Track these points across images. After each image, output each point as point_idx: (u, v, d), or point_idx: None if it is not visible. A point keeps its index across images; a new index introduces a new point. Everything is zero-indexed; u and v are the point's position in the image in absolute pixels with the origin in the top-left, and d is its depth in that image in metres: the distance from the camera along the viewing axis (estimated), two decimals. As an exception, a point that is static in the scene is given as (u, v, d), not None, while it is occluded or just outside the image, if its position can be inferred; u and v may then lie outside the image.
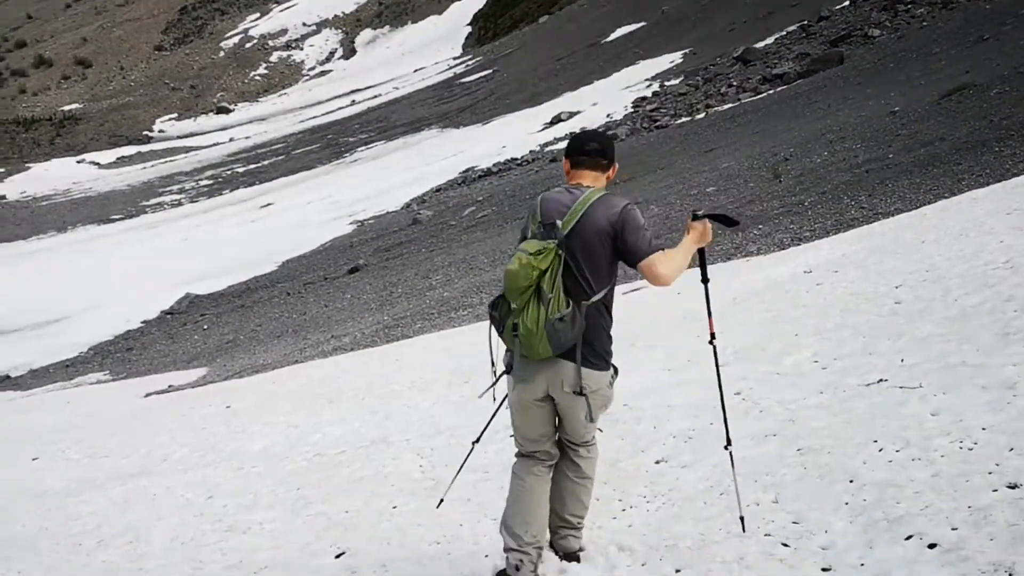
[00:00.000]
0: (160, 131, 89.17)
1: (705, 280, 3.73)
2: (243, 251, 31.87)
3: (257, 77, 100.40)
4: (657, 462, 5.01)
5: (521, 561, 3.55)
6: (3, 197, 64.24)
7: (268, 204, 42.62)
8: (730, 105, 28.09)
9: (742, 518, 3.86)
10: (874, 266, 8.04)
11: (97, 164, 75.50)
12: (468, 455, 4.48)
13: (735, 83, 30.60)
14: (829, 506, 3.88)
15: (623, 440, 5.52)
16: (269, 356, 15.89)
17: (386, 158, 47.48)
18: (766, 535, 3.80)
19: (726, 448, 3.95)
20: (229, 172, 60.41)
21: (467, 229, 23.75)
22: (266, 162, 60.50)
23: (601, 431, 3.97)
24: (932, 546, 3.35)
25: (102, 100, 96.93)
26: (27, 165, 76.52)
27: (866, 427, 4.60)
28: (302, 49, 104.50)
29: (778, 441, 4.78)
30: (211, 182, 58.07)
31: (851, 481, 4.04)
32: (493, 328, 3.55)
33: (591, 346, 3.43)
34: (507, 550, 3.60)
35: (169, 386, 15.21)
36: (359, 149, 54.77)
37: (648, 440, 5.39)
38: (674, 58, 42.14)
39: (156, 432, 9.97)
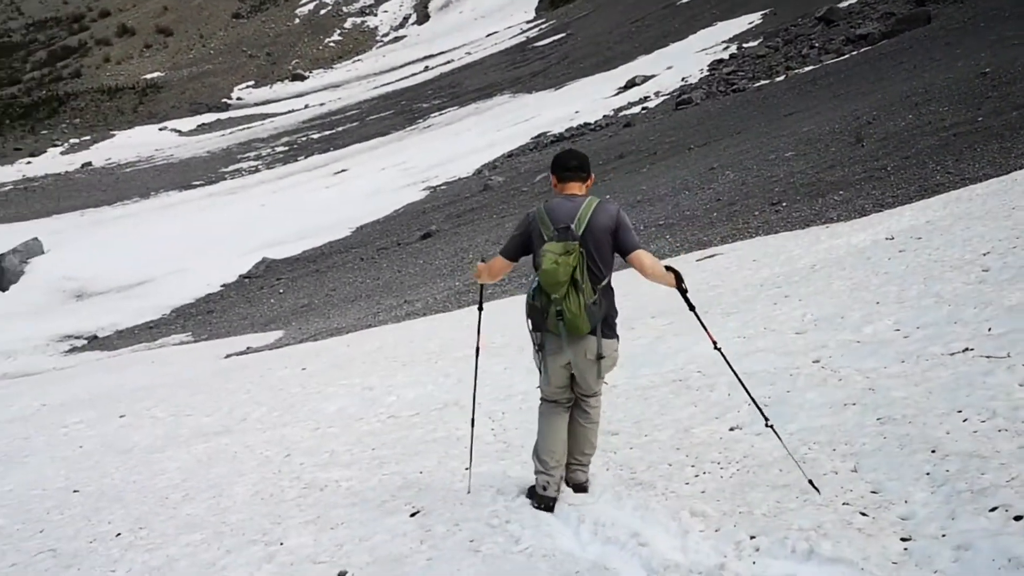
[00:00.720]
0: (238, 98, 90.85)
1: (691, 308, 4.39)
2: (318, 217, 32.41)
3: (331, 44, 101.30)
4: (731, 429, 4.97)
5: (548, 482, 4.49)
6: (89, 164, 66.45)
7: (342, 170, 43.15)
8: (811, 67, 27.33)
9: (811, 481, 3.93)
10: (960, 233, 7.77)
11: (178, 131, 77.49)
12: (471, 437, 5.21)
13: (817, 44, 29.74)
14: (909, 476, 3.80)
15: (696, 407, 5.48)
16: (343, 320, 16.17)
17: (458, 124, 47.59)
18: (844, 504, 3.74)
19: (767, 426, 4.33)
20: (304, 139, 61.32)
21: (538, 195, 23.69)
22: (340, 128, 61.22)
23: (607, 383, 4.58)
24: (1018, 518, 3.25)
25: (182, 68, 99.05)
26: (112, 133, 78.96)
27: (950, 397, 4.47)
28: (376, 15, 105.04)
29: (857, 410, 4.68)
30: (287, 148, 59.06)
31: (933, 451, 3.94)
32: (534, 315, 4.38)
33: (607, 320, 4.33)
34: (537, 473, 4.53)
35: (248, 348, 15.62)
36: (432, 115, 54.99)
37: (723, 407, 5.35)
38: (753, 19, 41.14)
39: (236, 392, 10.26)
